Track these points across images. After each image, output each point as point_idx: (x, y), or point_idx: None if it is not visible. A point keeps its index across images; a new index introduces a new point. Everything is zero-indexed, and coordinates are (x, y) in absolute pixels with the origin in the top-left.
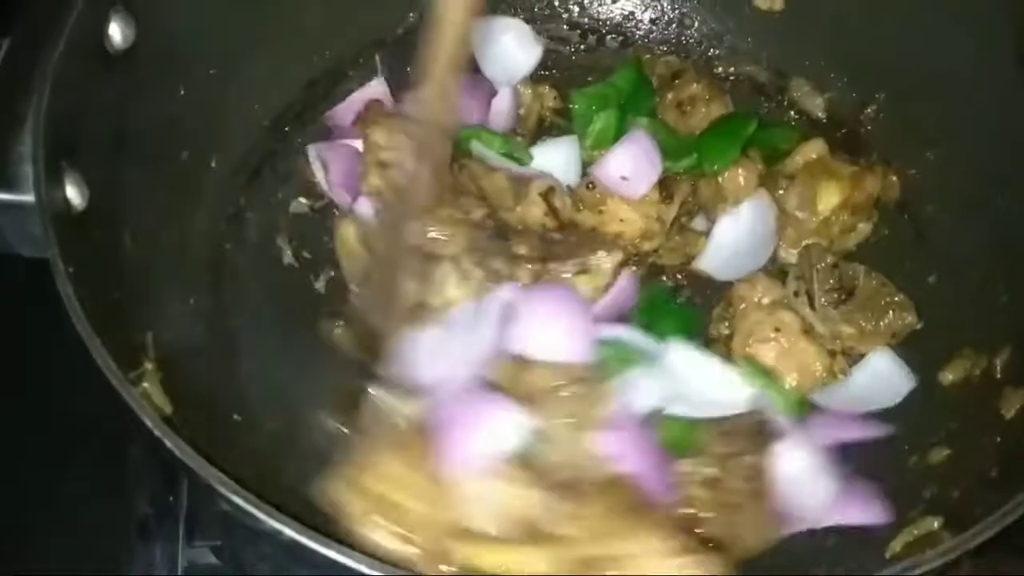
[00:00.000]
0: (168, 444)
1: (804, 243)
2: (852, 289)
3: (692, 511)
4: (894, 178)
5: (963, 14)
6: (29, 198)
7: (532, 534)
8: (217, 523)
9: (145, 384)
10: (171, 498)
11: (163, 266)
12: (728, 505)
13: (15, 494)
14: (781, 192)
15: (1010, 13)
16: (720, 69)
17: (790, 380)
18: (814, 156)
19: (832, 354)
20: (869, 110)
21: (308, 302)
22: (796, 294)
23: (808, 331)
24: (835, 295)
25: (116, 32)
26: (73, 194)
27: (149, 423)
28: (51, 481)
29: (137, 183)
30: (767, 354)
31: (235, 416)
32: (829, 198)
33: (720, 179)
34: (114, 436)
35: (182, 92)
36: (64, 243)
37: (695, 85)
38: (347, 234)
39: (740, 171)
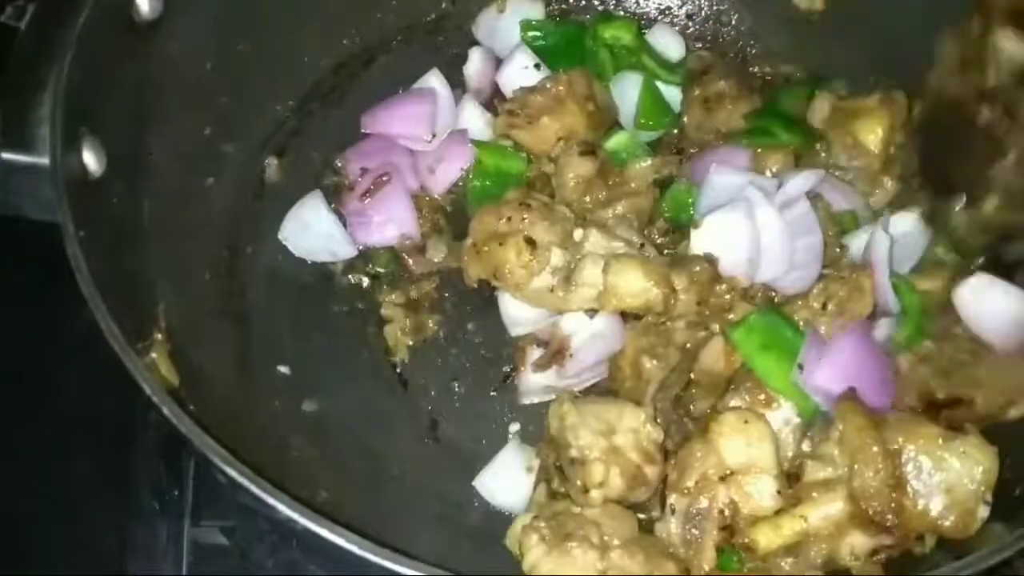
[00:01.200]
0: (167, 413)
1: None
2: None
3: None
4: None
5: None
6: (44, 161)
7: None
8: (224, 502)
9: (153, 355)
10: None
11: (181, 239)
12: (953, 365)
13: (21, 472)
14: (825, 158)
15: None
16: (756, 68)
17: None
18: (827, 110)
19: None
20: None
21: (325, 282)
22: None
23: None
24: None
25: (144, 2)
26: (90, 160)
27: (149, 390)
28: (56, 463)
29: (158, 155)
30: None
31: (243, 395)
32: (873, 133)
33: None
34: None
35: (208, 67)
36: (76, 206)
37: (722, 82)
38: None
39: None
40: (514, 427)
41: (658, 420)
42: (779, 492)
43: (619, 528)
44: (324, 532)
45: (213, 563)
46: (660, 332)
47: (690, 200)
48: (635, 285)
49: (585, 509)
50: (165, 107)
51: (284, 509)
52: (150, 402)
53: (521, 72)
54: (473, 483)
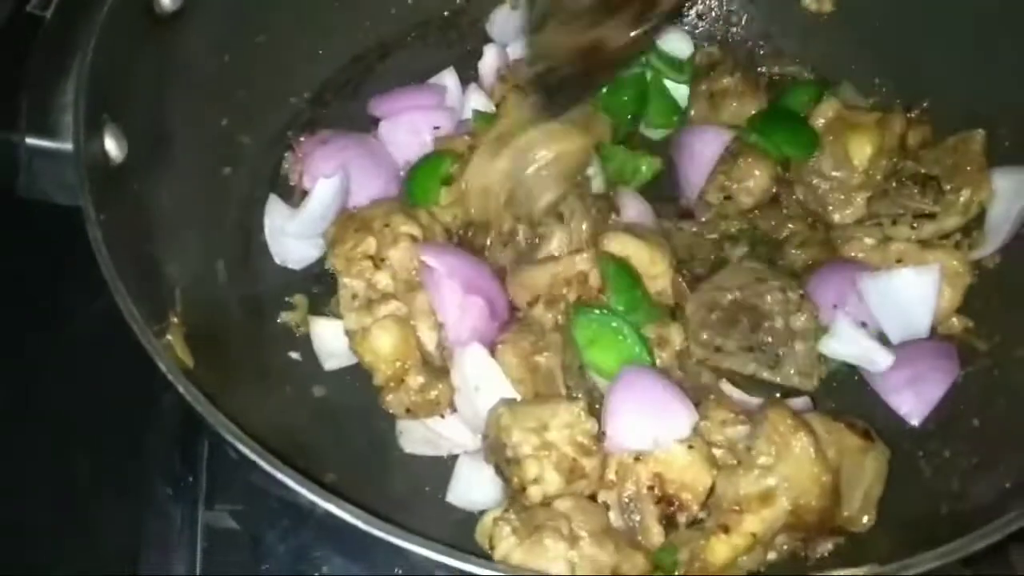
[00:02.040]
0: (182, 391)
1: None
2: None
3: None
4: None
5: (1018, 22)
6: (67, 146)
7: None
8: (237, 487)
9: (169, 337)
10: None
11: (197, 226)
12: None
13: (38, 458)
14: (812, 163)
15: None
16: (764, 68)
17: None
18: (831, 115)
19: None
20: (913, 115)
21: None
22: None
23: None
24: None
25: None
26: (112, 146)
27: (164, 368)
28: (72, 449)
29: (177, 144)
30: None
31: (255, 379)
32: (862, 150)
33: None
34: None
35: (227, 59)
36: (97, 191)
37: (728, 78)
38: None
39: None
40: None
41: None
42: (690, 446)
43: (588, 521)
44: (333, 508)
45: (227, 547)
46: (526, 328)
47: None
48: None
49: (555, 503)
50: (184, 97)
51: (294, 485)
52: (165, 386)
53: None
54: (447, 499)
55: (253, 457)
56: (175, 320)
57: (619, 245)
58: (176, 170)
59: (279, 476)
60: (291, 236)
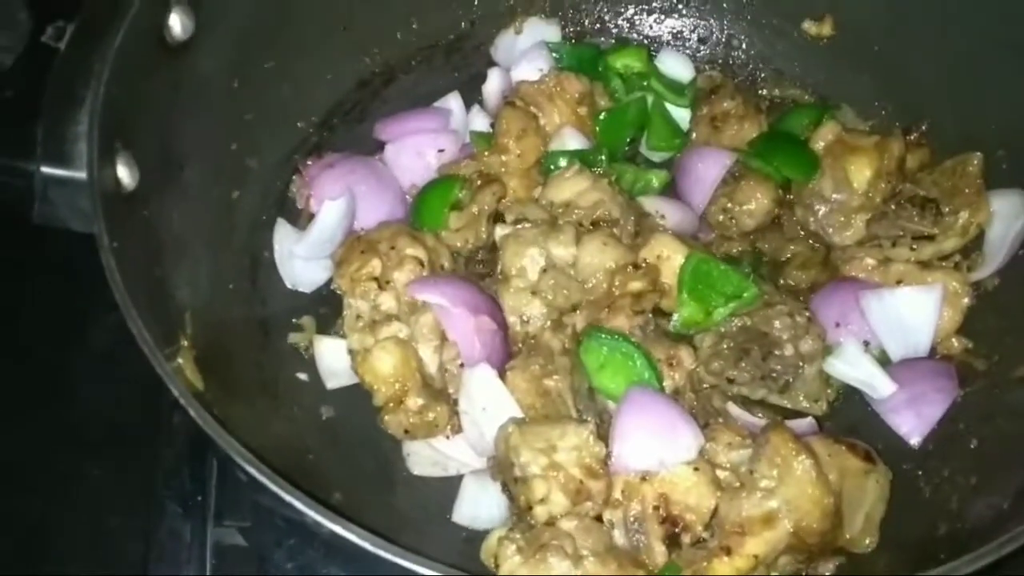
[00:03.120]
0: (193, 414)
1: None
2: None
3: None
4: (921, 142)
5: (1017, 51)
6: (82, 175)
7: None
8: (245, 505)
9: (179, 360)
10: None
11: (207, 250)
12: None
13: (51, 476)
14: (812, 185)
15: None
16: (764, 91)
17: None
18: (831, 137)
19: None
20: (912, 137)
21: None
22: None
23: None
24: None
25: (176, 23)
26: (124, 174)
27: (176, 392)
28: (85, 467)
29: (187, 169)
30: None
31: (264, 401)
32: (861, 173)
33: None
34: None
35: (236, 84)
36: (111, 219)
37: (729, 101)
38: None
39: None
40: None
41: None
42: (696, 468)
43: (592, 540)
44: (339, 529)
45: (235, 564)
46: (534, 350)
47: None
48: (385, 370)
49: (560, 522)
50: (194, 123)
51: (301, 506)
52: (175, 406)
53: (533, 72)
54: (452, 519)
55: (260, 478)
56: (185, 343)
57: (667, 248)
58: (186, 195)
59: (285, 497)
60: (299, 258)
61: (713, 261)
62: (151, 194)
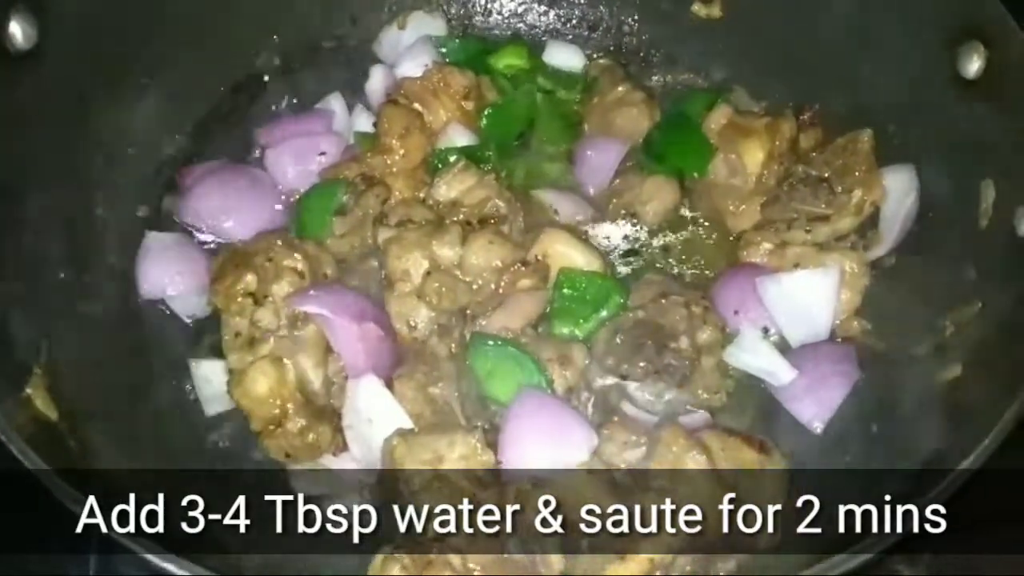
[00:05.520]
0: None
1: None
2: None
3: None
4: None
5: (902, 26)
6: None
7: None
8: None
9: (28, 390)
10: None
11: (68, 270)
12: None
13: None
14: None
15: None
16: (657, 77)
17: None
18: (723, 121)
19: None
20: (804, 117)
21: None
22: None
23: None
24: None
25: (17, 31)
26: None
27: (5, 439)
28: None
29: (41, 183)
30: None
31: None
32: (754, 156)
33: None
34: None
35: (94, 94)
36: None
37: (620, 87)
38: None
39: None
40: None
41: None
42: (589, 470)
43: (482, 554)
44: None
45: None
46: (419, 357)
47: None
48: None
49: (448, 538)
50: (47, 135)
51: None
52: None
53: (418, 68)
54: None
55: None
56: (39, 371)
57: (558, 245)
58: (41, 216)
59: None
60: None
61: (579, 271)
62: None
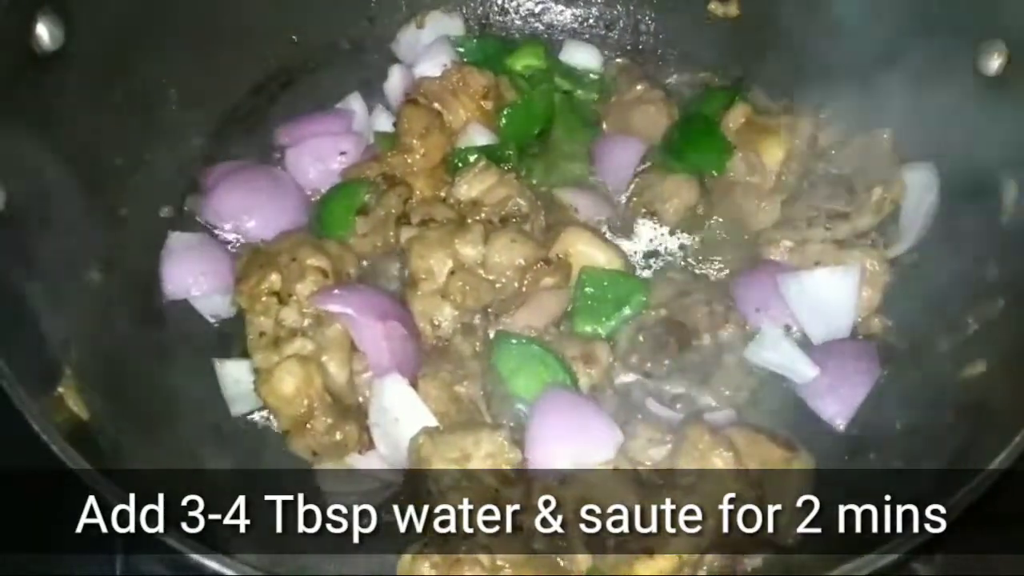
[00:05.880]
0: (56, 450)
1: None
2: None
3: None
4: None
5: (922, 24)
6: None
7: None
8: None
9: (60, 389)
10: None
11: (93, 270)
12: None
13: None
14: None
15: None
16: (675, 76)
17: None
18: (742, 120)
19: None
20: (823, 116)
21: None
22: None
23: None
24: None
25: (44, 33)
26: None
27: (47, 439)
28: None
29: (66, 183)
30: None
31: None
32: (773, 155)
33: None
34: None
35: (117, 97)
36: None
37: (638, 88)
38: None
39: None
40: None
41: None
42: (615, 468)
43: (510, 551)
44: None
45: None
46: (443, 355)
47: None
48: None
49: (477, 536)
50: (71, 137)
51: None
52: None
53: (436, 68)
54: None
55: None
56: (68, 372)
57: (579, 243)
58: (66, 215)
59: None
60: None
61: (601, 270)
62: (25, 216)
